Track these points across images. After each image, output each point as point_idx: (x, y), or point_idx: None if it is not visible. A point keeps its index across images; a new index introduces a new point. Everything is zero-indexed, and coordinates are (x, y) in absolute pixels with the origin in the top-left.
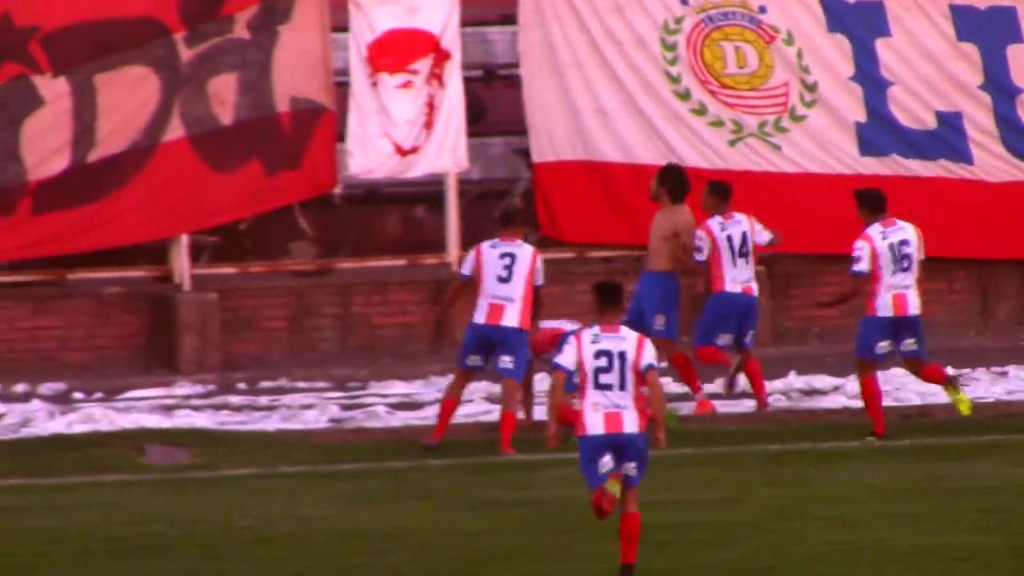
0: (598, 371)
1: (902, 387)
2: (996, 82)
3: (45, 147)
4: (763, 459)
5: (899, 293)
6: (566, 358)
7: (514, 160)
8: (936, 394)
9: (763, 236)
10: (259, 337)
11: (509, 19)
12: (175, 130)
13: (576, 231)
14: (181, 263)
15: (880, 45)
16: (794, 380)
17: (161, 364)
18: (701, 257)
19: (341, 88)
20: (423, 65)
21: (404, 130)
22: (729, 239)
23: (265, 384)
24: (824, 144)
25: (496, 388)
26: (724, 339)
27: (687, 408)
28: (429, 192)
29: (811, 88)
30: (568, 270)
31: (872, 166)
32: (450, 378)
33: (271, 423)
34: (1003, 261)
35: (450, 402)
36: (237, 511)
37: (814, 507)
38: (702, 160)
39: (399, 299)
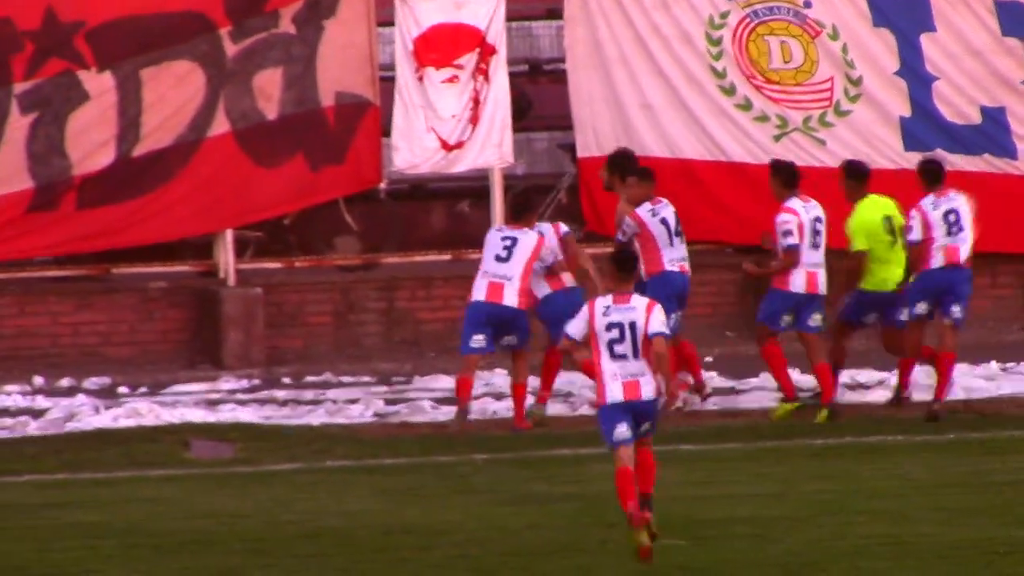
0: (611, 343)
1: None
2: None
3: (90, 142)
4: (808, 454)
5: (812, 271)
6: (575, 328)
7: (559, 155)
8: (980, 389)
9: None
10: (304, 332)
11: (555, 14)
12: (220, 125)
13: None
14: (226, 258)
15: (925, 40)
16: (839, 374)
17: (206, 359)
18: (622, 239)
19: (386, 83)
20: (469, 60)
21: (449, 125)
22: (664, 221)
23: (310, 379)
24: (868, 139)
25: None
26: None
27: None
28: (474, 187)
29: (856, 83)
30: None
31: (916, 161)
32: (496, 372)
33: (316, 418)
34: None
35: (465, 381)
36: (282, 506)
37: (858, 501)
38: (747, 155)
39: (443, 294)
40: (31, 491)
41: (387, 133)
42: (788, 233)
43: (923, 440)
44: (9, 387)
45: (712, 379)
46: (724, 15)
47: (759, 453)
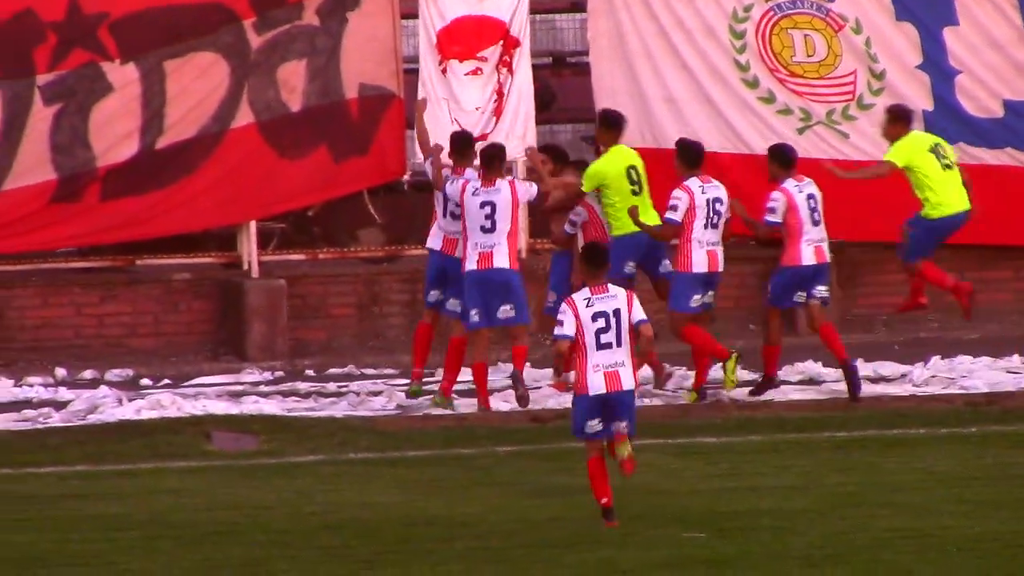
0: (598, 332)
1: (969, 374)
2: None
3: (114, 133)
4: (830, 446)
5: (712, 250)
6: (567, 328)
7: (582, 147)
8: (1002, 383)
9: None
10: (327, 324)
11: (578, 7)
12: (244, 116)
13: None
14: (249, 249)
15: (947, 34)
16: (861, 367)
17: (229, 350)
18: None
19: (410, 75)
20: (492, 52)
21: (473, 117)
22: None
23: (333, 371)
24: None
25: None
26: None
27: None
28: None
29: (879, 76)
30: None
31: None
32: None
33: (339, 410)
34: None
35: (480, 366)
36: (304, 498)
37: (881, 494)
38: None
39: None
40: (53, 482)
41: (411, 125)
42: (674, 208)
43: (946, 433)
44: (32, 378)
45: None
46: (748, 8)
47: (782, 446)
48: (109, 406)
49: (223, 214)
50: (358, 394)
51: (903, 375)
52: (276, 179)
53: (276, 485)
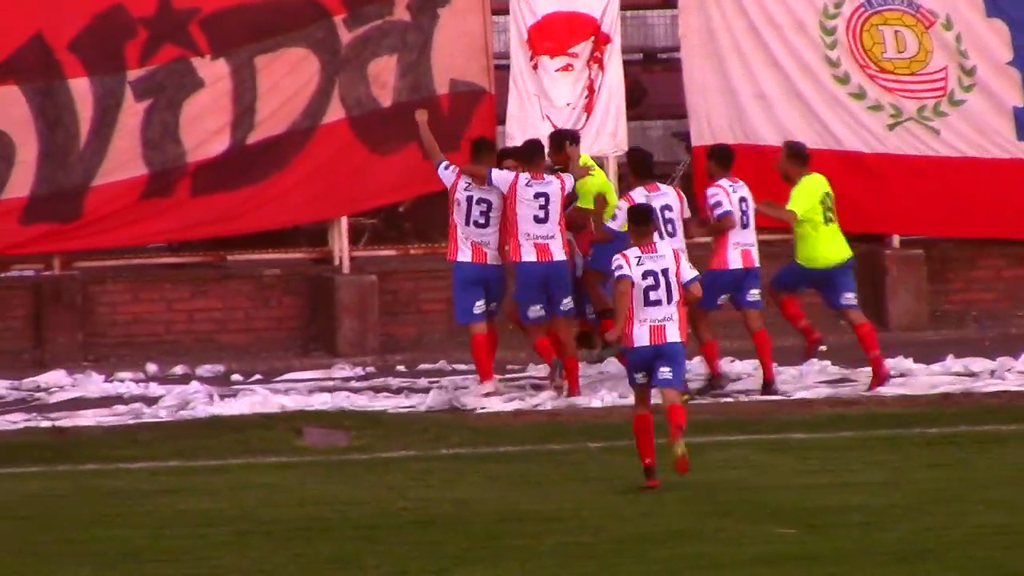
0: (647, 289)
1: None
2: None
3: (204, 129)
4: (921, 443)
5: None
6: (627, 270)
7: (673, 143)
8: None
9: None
10: (418, 319)
11: (669, 3)
12: (335, 112)
13: None
14: (340, 245)
15: None
16: (951, 363)
17: (320, 346)
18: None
19: (501, 71)
20: (583, 48)
21: (564, 113)
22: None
23: (424, 366)
24: (982, 128)
25: None
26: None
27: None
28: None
29: (969, 73)
30: None
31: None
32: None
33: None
34: None
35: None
36: (395, 493)
37: (972, 491)
38: (861, 144)
39: None
40: (145, 478)
41: (502, 121)
42: (613, 218)
43: None
44: (123, 374)
45: (826, 367)
46: (838, 4)
47: (872, 441)
48: (200, 402)
49: (314, 210)
50: (449, 389)
51: (993, 371)
52: (367, 175)
53: (367, 481)
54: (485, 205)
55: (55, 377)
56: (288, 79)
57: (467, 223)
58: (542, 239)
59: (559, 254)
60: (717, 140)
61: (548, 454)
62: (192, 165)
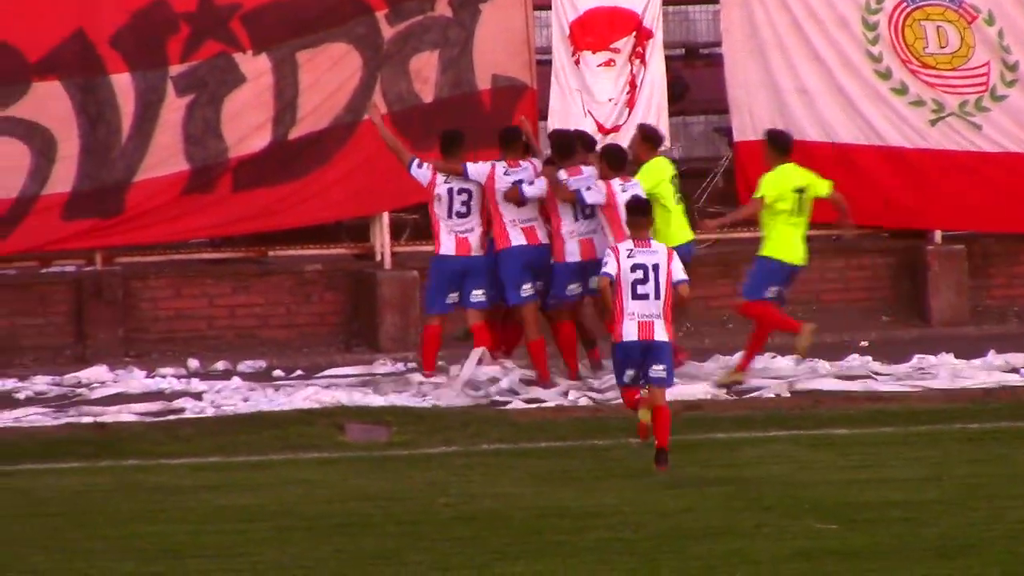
0: (635, 283)
1: None
2: None
3: (246, 124)
4: (962, 438)
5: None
6: (610, 268)
7: (715, 138)
8: None
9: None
10: (458, 315)
11: None
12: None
13: None
14: (382, 241)
15: None
16: (993, 359)
17: (361, 342)
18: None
19: (543, 66)
20: (625, 44)
21: (606, 109)
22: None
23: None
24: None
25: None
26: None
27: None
28: (630, 170)
29: (1012, 68)
30: None
31: None
32: None
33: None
34: None
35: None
36: (437, 489)
37: (1013, 486)
38: (903, 139)
39: None
40: (186, 473)
41: (544, 116)
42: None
43: None
44: (164, 369)
45: (868, 363)
46: (880, 0)
47: (913, 437)
48: (241, 397)
49: (356, 205)
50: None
51: None
52: None
53: (408, 476)
54: (466, 195)
55: (96, 373)
56: (330, 75)
57: (449, 215)
58: (527, 222)
59: (545, 238)
60: (760, 135)
61: (589, 449)
62: (234, 161)
